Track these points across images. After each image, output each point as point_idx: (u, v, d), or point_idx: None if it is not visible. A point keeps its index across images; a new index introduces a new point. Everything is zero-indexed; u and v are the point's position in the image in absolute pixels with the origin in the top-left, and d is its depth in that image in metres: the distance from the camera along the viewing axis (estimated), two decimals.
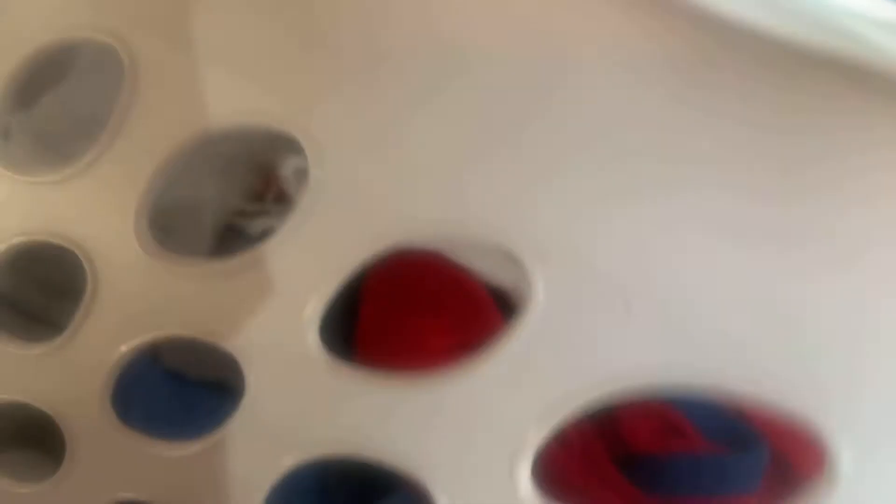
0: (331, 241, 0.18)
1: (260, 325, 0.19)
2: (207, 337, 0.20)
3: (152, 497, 0.23)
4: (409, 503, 0.29)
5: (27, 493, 0.25)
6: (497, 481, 0.17)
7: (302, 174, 0.34)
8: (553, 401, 0.16)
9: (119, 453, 0.23)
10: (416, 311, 0.29)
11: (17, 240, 0.22)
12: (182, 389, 0.32)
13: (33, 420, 0.31)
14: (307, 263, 0.18)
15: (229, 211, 0.36)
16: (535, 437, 0.16)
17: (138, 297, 0.21)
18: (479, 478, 0.17)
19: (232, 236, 0.35)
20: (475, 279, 0.31)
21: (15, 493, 0.26)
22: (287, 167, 0.35)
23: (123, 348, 0.21)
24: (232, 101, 0.18)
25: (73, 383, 0.22)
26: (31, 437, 0.31)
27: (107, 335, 0.22)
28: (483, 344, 0.29)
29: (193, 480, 0.22)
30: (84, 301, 0.22)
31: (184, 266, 0.20)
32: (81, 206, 0.21)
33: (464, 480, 0.17)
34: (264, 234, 0.20)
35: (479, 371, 0.17)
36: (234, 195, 0.37)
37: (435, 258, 0.30)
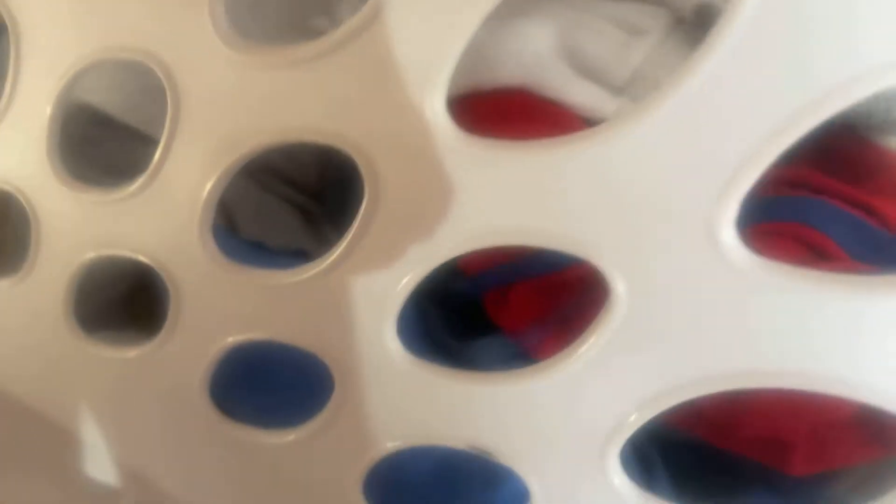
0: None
1: (373, 110, 0.16)
2: (310, 136, 0.18)
3: (266, 334, 0.21)
4: (505, 344, 0.27)
5: (135, 356, 0.24)
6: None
7: None
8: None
9: (226, 290, 0.21)
10: (522, 132, 0.26)
11: (97, 56, 0.20)
12: (264, 257, 0.30)
13: (135, 292, 0.30)
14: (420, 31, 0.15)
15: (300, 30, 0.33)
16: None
17: (226, 98, 0.18)
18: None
19: None
20: (571, 113, 0.28)
21: (124, 360, 0.24)
22: None
23: (219, 171, 0.19)
24: None
25: (171, 218, 0.20)
26: (132, 315, 0.30)
27: (197, 156, 0.19)
28: None
29: (308, 308, 0.20)
30: (168, 122, 0.19)
31: (270, 54, 0.17)
32: (152, 12, 0.18)
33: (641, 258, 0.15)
34: None
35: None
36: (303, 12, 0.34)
37: (522, 95, 0.27)
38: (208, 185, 0.19)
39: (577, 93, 0.27)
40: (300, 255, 0.32)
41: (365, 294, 0.18)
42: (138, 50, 0.19)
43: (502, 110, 0.27)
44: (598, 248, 0.15)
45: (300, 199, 0.35)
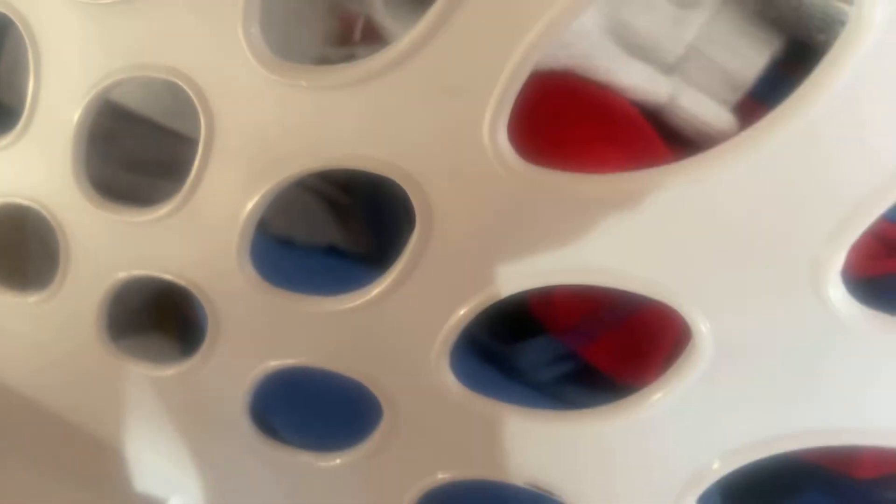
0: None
1: (426, 138, 0.15)
2: (356, 163, 0.16)
3: (309, 360, 0.20)
4: (552, 345, 0.26)
5: (173, 374, 0.23)
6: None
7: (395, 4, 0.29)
8: None
9: (267, 314, 0.20)
10: (571, 122, 0.24)
11: (122, 74, 0.18)
12: (294, 254, 0.29)
13: (156, 303, 0.29)
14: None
15: (313, 60, 0.32)
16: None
17: (264, 120, 0.17)
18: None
19: None
20: (620, 98, 0.26)
21: (157, 378, 0.24)
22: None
23: (257, 196, 0.18)
24: None
25: (207, 241, 0.19)
26: (154, 322, 0.29)
27: (234, 179, 0.18)
28: (646, 155, 0.25)
29: (354, 337, 0.19)
30: (201, 143, 0.18)
31: (312, 76, 0.16)
32: (180, 30, 0.17)
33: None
34: None
35: None
36: (315, 42, 0.33)
37: (567, 79, 0.25)
38: (247, 209, 0.18)
39: (628, 74, 0.26)
40: (331, 252, 0.31)
41: (416, 326, 0.17)
42: (167, 68, 0.17)
43: (545, 99, 0.26)
44: (677, 289, 0.14)
45: (328, 190, 0.33)
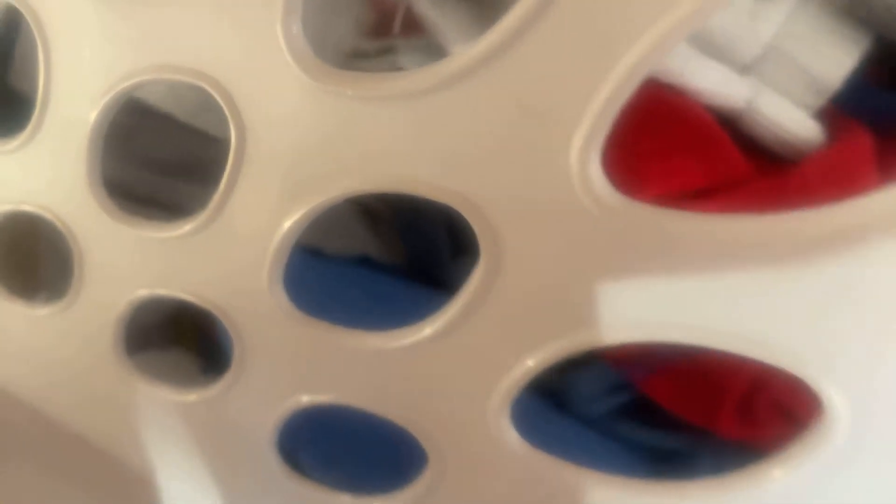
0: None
1: (499, 164, 0.13)
2: (411, 187, 0.14)
3: (344, 398, 0.18)
4: (607, 374, 0.24)
5: (195, 401, 0.21)
6: None
7: None
8: None
9: (300, 346, 0.18)
10: (644, 133, 0.22)
11: (141, 77, 0.16)
12: (323, 266, 0.27)
13: (175, 317, 0.27)
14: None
15: (345, 55, 0.30)
16: None
17: (302, 132, 0.14)
18: None
19: None
20: (695, 103, 0.23)
21: (178, 403, 0.22)
22: None
23: (292, 218, 0.16)
24: None
25: (235, 263, 0.17)
26: (173, 337, 0.27)
27: (267, 196, 0.16)
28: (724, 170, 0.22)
29: (400, 377, 0.17)
30: (232, 154, 0.16)
31: (360, 84, 0.14)
32: (209, 27, 0.15)
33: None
34: None
35: None
36: (349, 33, 0.30)
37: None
38: (282, 230, 0.16)
39: (703, 76, 0.23)
40: (363, 263, 0.29)
41: (474, 373, 0.15)
42: (193, 71, 0.15)
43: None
44: (805, 355, 0.11)
45: (363, 197, 0.31)
